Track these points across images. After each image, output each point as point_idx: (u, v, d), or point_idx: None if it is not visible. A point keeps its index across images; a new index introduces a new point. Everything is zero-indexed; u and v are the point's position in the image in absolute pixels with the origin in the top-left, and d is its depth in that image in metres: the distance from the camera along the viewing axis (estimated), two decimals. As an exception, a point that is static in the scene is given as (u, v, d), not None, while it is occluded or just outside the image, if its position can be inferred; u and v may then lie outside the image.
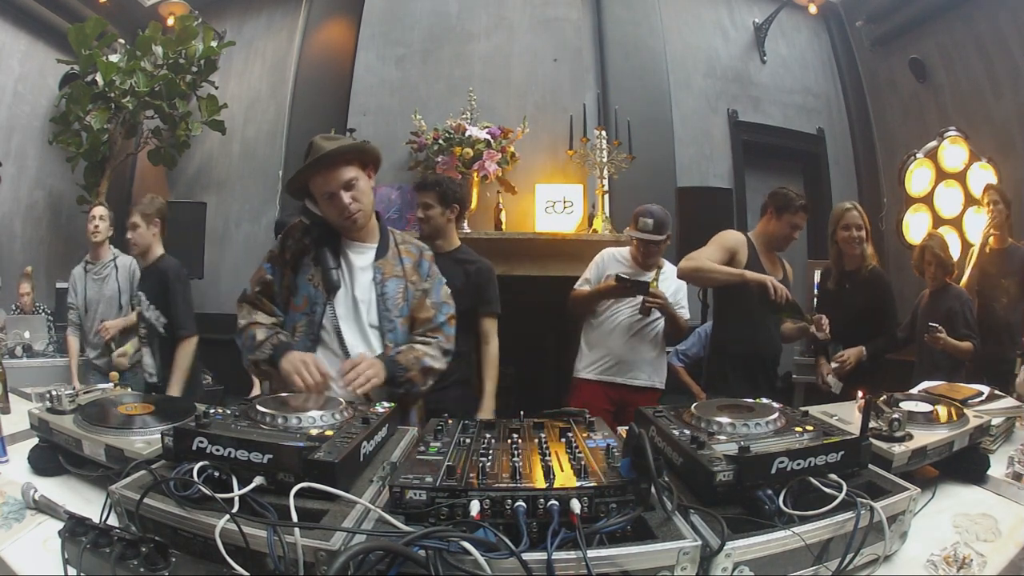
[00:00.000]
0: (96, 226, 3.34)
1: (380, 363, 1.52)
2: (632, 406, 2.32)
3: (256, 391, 3.12)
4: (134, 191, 5.47)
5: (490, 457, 0.94)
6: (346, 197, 1.55)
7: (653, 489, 0.86)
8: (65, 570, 0.84)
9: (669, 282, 2.68)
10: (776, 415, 1.12)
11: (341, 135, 1.63)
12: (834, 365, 2.83)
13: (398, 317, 1.63)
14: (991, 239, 3.37)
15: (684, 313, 2.73)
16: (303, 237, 1.64)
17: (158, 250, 2.91)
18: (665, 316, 2.63)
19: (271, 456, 0.91)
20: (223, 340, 3.39)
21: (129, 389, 1.80)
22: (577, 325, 2.86)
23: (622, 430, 1.20)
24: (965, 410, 1.33)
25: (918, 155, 4.80)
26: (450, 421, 1.19)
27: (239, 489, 0.87)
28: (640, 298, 2.55)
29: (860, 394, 1.46)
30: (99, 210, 3.40)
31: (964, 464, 1.24)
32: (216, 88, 5.00)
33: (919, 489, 1.01)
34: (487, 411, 2.41)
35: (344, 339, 1.59)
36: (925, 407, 1.35)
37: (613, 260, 2.74)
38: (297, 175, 1.59)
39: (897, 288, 3.06)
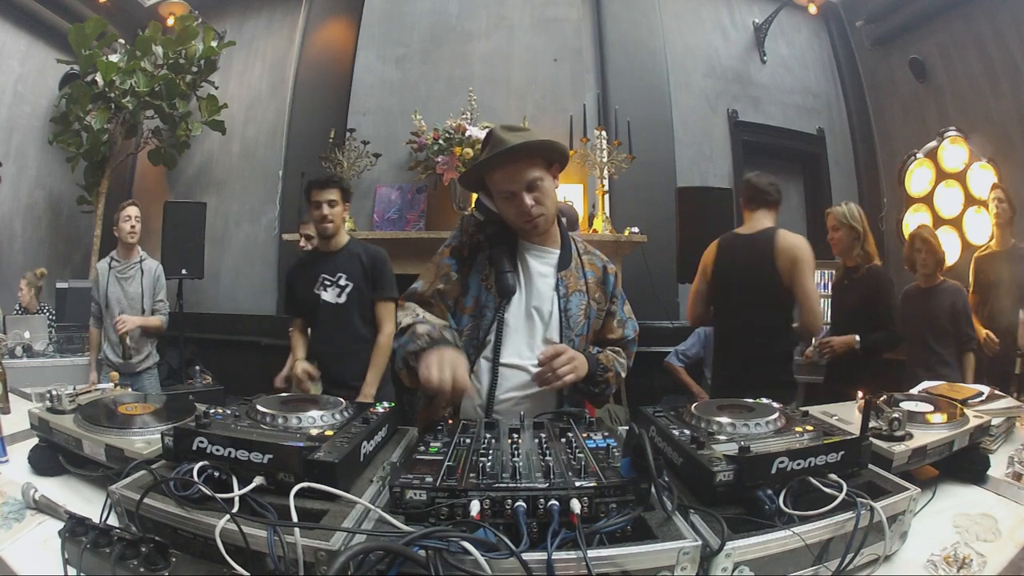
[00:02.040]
0: (132, 227, 3.32)
1: (583, 357, 1.38)
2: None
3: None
4: (134, 191, 5.49)
5: (490, 457, 0.94)
6: (528, 199, 1.37)
7: (653, 489, 0.86)
8: (65, 570, 0.84)
9: None
10: (776, 415, 1.12)
11: (524, 127, 1.47)
12: (814, 343, 2.89)
13: (577, 336, 1.46)
14: (993, 240, 3.38)
15: None
16: (476, 233, 1.48)
17: None
18: None
19: (271, 456, 0.91)
20: (223, 340, 3.43)
21: (129, 389, 1.80)
22: None
23: (622, 429, 1.20)
24: (965, 410, 1.33)
25: (918, 155, 4.80)
26: (450, 421, 1.18)
27: (239, 489, 0.87)
28: None
29: (860, 394, 1.46)
30: (133, 210, 3.36)
31: (964, 464, 1.24)
32: (216, 88, 5.01)
33: (919, 489, 1.00)
34: (365, 398, 2.37)
35: (507, 350, 1.42)
36: (925, 407, 1.35)
37: None
38: (475, 168, 1.44)
39: (897, 288, 3.07)
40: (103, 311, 3.35)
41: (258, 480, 0.90)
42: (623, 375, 1.53)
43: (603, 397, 1.50)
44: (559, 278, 1.47)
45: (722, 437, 1.06)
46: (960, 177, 4.52)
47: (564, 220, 1.57)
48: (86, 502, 1.08)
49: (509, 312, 1.43)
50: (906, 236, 4.72)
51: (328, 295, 2.54)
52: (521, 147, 1.35)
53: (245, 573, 0.78)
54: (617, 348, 1.55)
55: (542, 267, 1.47)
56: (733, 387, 2.41)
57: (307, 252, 2.90)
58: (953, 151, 4.59)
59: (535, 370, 1.35)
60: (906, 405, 1.34)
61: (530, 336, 1.44)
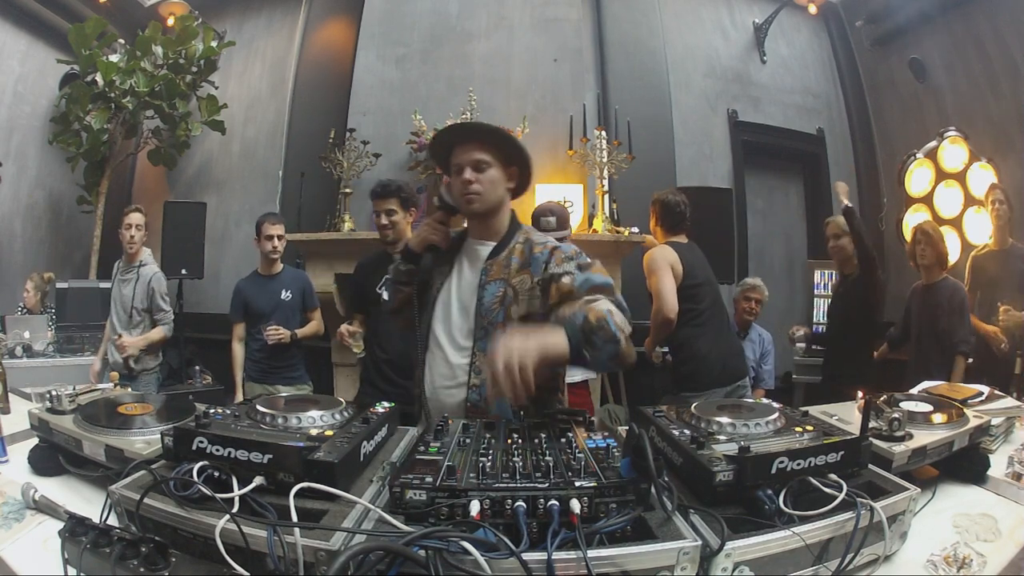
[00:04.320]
0: (132, 236, 3.27)
1: (539, 333, 1.16)
2: (568, 397, 2.48)
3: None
4: (134, 191, 5.48)
5: (490, 457, 0.94)
6: (469, 174, 1.47)
7: (653, 489, 0.86)
8: (65, 570, 0.84)
9: None
10: (776, 415, 1.12)
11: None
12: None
13: (490, 324, 1.46)
14: (991, 239, 3.39)
15: None
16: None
17: None
18: None
19: (271, 456, 0.91)
20: (223, 340, 3.43)
21: (129, 389, 1.80)
22: None
23: (621, 430, 1.20)
24: (965, 410, 1.33)
25: (918, 155, 4.80)
26: (451, 421, 1.18)
27: (239, 489, 0.87)
28: None
29: (860, 394, 1.46)
30: (136, 217, 3.29)
31: (964, 464, 1.24)
32: (216, 88, 5.00)
33: (919, 489, 1.01)
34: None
35: (439, 341, 1.53)
36: (925, 407, 1.35)
37: None
38: (440, 135, 1.56)
39: (897, 289, 3.08)
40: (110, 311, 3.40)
41: (258, 480, 0.90)
42: (618, 314, 1.23)
43: (619, 354, 1.21)
44: (484, 267, 1.52)
45: (722, 437, 1.06)
46: (960, 177, 4.52)
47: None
48: (86, 502, 1.08)
49: (439, 304, 1.55)
50: (906, 236, 4.73)
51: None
52: (480, 126, 1.53)
53: (245, 573, 0.78)
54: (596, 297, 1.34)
55: (474, 258, 1.57)
56: (727, 369, 2.64)
57: (376, 253, 2.91)
58: (953, 151, 4.58)
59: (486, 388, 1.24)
60: (906, 405, 1.34)
61: (460, 326, 1.52)
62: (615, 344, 1.18)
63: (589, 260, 1.45)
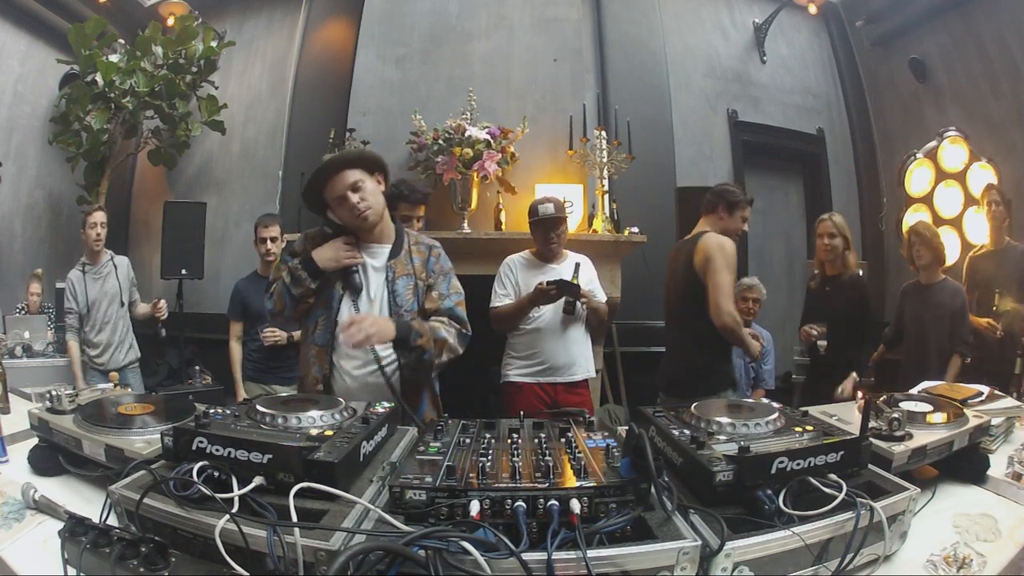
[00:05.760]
0: (98, 234, 3.47)
1: (387, 321, 1.64)
2: (568, 396, 2.60)
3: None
4: (134, 191, 5.48)
5: (490, 457, 0.94)
6: (354, 197, 1.68)
7: (653, 489, 0.86)
8: (65, 570, 0.84)
9: (584, 273, 2.68)
10: (776, 415, 1.12)
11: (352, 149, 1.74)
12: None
13: (406, 312, 1.75)
14: (988, 240, 3.40)
15: (601, 296, 2.74)
16: (323, 242, 1.78)
17: None
18: (588, 309, 2.64)
19: (271, 456, 0.91)
20: (222, 340, 3.43)
21: (129, 389, 1.80)
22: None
23: (621, 430, 1.20)
24: (965, 410, 1.33)
25: (918, 155, 4.80)
26: (450, 421, 1.19)
27: (239, 489, 0.87)
28: (563, 298, 2.55)
29: (860, 394, 1.46)
30: (99, 216, 3.50)
31: (964, 464, 1.24)
32: (216, 88, 5.00)
33: (919, 489, 1.01)
34: None
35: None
36: (925, 407, 1.35)
37: (521, 267, 2.70)
38: (308, 187, 1.76)
39: (897, 288, 3.08)
40: (84, 316, 3.47)
41: (258, 480, 0.90)
42: (451, 341, 1.74)
43: (424, 363, 1.69)
44: (388, 266, 1.78)
45: (722, 437, 1.06)
46: (960, 177, 4.52)
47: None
48: (86, 502, 1.08)
49: (351, 304, 1.73)
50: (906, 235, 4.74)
51: None
52: (336, 157, 1.72)
53: (245, 573, 0.78)
54: (443, 319, 1.78)
55: (375, 261, 1.80)
56: (674, 382, 2.59)
57: None
58: (953, 151, 4.58)
59: (342, 336, 1.62)
60: (906, 405, 1.34)
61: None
62: (423, 352, 1.66)
63: (456, 283, 1.86)
